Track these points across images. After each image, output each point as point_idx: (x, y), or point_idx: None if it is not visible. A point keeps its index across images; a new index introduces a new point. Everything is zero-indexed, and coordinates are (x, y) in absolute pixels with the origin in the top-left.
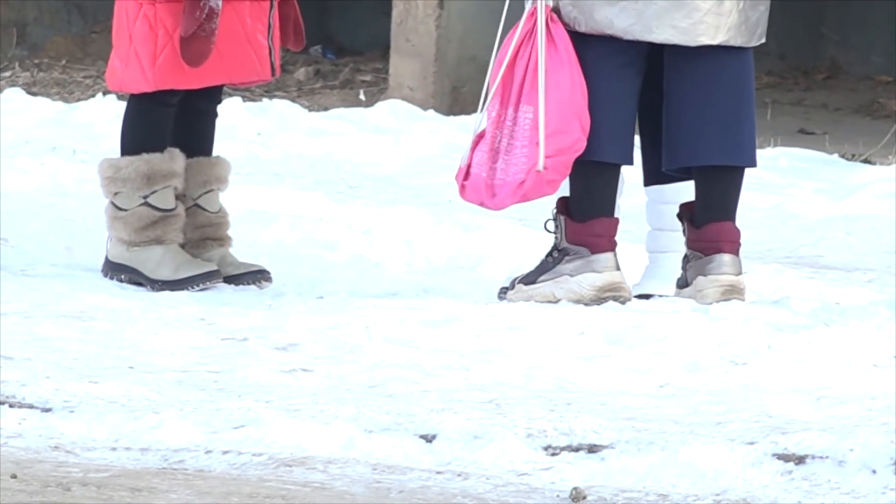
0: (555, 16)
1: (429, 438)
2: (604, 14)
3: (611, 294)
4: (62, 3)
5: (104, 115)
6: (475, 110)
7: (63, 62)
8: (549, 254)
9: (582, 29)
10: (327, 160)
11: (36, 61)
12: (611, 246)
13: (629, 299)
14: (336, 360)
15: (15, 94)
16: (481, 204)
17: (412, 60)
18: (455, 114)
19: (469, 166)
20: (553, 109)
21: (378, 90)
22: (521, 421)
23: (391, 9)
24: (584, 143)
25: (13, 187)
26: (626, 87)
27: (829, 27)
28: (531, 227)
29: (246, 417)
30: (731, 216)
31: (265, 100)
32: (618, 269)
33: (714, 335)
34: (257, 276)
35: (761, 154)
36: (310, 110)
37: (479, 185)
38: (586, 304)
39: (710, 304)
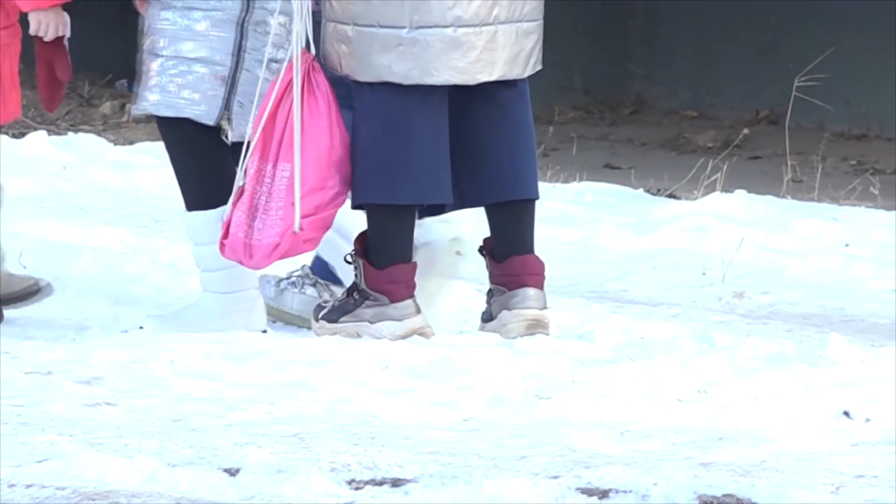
0: (317, 64)
1: (232, 472)
2: (380, 61)
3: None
4: None
5: None
6: None
7: None
8: (350, 293)
9: (361, 78)
10: (132, 194)
11: None
12: (409, 293)
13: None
14: (140, 394)
15: None
16: (240, 262)
17: None
18: None
19: (229, 224)
20: (311, 166)
21: None
22: (325, 455)
23: None
24: (344, 197)
25: None
26: (419, 126)
27: (634, 63)
28: None
29: (49, 451)
30: (530, 249)
31: (70, 133)
32: (418, 312)
33: (519, 369)
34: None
35: (567, 188)
36: (115, 144)
37: (237, 245)
38: None
39: (515, 338)
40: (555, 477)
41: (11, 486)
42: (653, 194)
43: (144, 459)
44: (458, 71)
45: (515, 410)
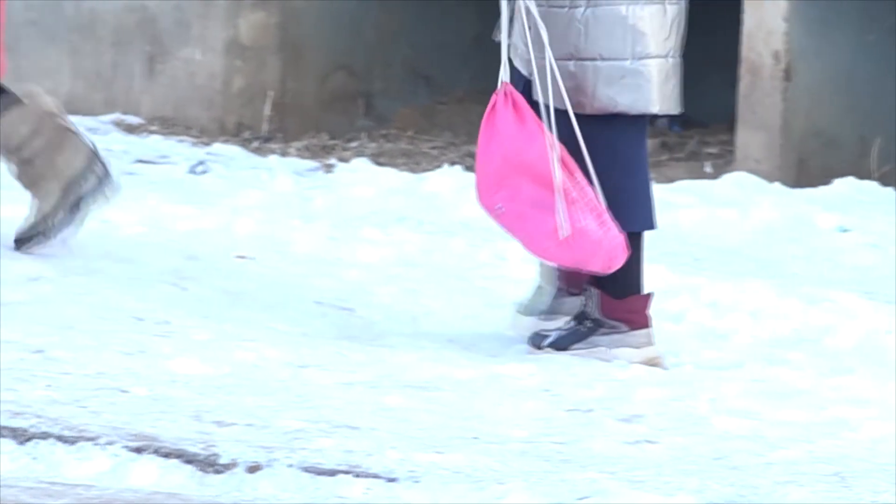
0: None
1: None
2: (605, 93)
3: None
4: (409, 74)
5: (450, 186)
6: (821, 183)
7: (410, 133)
8: (580, 321)
9: (587, 111)
10: (672, 232)
11: (383, 132)
12: (647, 321)
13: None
14: (680, 432)
15: (362, 165)
16: (578, 265)
17: (758, 133)
18: (801, 186)
19: (580, 229)
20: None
21: (724, 162)
22: (867, 494)
23: (737, 82)
24: None
25: (360, 258)
26: (642, 154)
27: None
28: (876, 300)
29: (591, 488)
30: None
31: None
32: (654, 342)
33: None
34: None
35: None
36: (656, 182)
37: (595, 249)
38: None
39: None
40: None
41: None
42: None
43: (685, 497)
44: (672, 101)
45: None
